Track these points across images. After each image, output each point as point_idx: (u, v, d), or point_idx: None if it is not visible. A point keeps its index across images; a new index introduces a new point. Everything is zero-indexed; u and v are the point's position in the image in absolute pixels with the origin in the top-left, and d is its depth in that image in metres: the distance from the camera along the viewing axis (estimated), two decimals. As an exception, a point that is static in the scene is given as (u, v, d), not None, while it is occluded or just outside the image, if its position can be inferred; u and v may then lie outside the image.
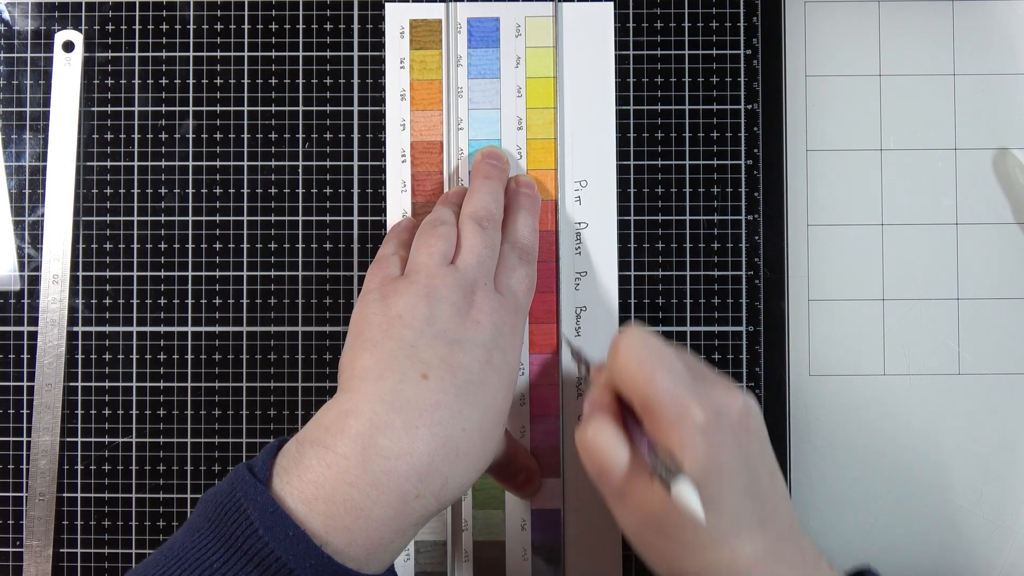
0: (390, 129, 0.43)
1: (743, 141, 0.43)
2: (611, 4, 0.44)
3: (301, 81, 0.44)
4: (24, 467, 0.43)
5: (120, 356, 0.43)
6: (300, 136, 0.44)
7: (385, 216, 0.43)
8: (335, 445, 0.32)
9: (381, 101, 0.44)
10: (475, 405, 0.34)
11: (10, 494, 0.43)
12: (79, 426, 0.43)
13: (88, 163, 0.44)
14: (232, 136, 0.44)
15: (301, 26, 0.44)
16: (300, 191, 0.43)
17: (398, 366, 0.34)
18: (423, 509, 0.32)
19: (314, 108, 0.44)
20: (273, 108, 0.44)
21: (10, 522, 0.43)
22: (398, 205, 0.43)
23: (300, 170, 0.44)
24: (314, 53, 0.44)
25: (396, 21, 0.44)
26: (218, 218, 0.43)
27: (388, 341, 0.34)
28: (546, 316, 0.43)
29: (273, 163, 0.44)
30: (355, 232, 0.43)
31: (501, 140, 0.43)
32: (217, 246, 0.43)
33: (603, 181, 0.43)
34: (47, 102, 0.44)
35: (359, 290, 0.43)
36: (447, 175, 0.43)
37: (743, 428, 0.33)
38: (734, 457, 0.32)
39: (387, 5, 0.44)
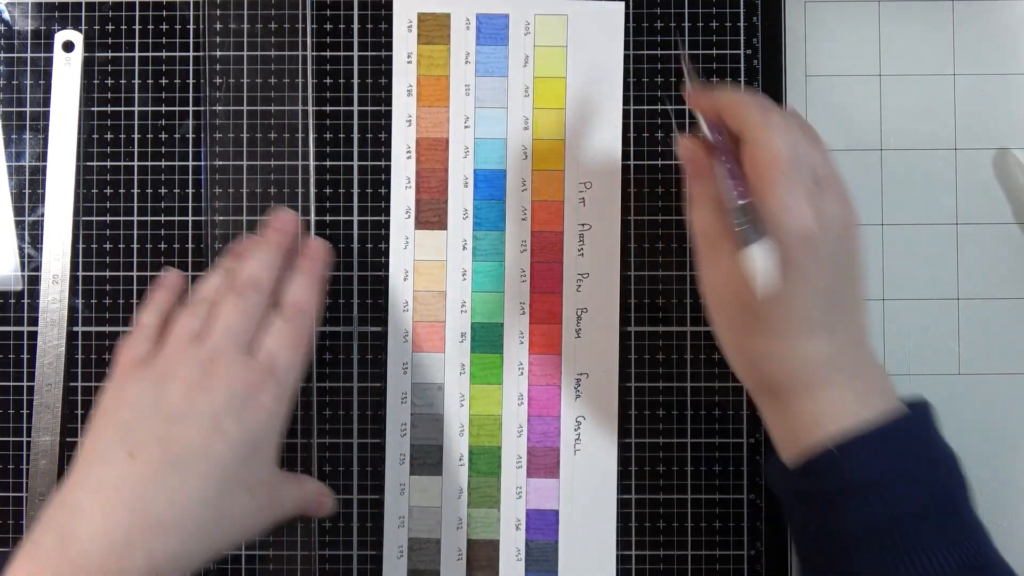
0: (396, 125, 0.43)
1: (743, 141, 0.43)
2: (622, 4, 0.43)
3: (300, 81, 0.44)
4: (24, 467, 0.43)
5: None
6: (300, 136, 0.44)
7: (388, 216, 0.43)
8: (41, 539, 0.33)
9: (381, 100, 0.43)
10: (194, 477, 0.35)
11: (10, 494, 0.43)
12: (79, 426, 0.43)
13: (88, 163, 0.44)
14: (232, 136, 0.44)
15: (299, 25, 0.44)
16: (300, 191, 0.43)
17: (107, 449, 0.35)
18: None
19: (312, 108, 0.44)
20: (273, 108, 0.44)
21: (10, 522, 0.43)
22: (402, 201, 0.43)
23: (300, 170, 0.43)
24: (314, 53, 0.44)
25: (404, 15, 0.43)
26: (218, 218, 0.43)
27: (109, 427, 0.36)
28: (548, 317, 0.43)
29: (273, 163, 0.44)
30: (355, 232, 0.43)
31: (507, 139, 0.43)
32: (217, 246, 0.43)
33: (608, 183, 0.43)
34: (47, 102, 0.43)
35: (359, 290, 0.43)
36: (452, 172, 0.43)
37: (840, 240, 0.34)
38: (820, 264, 0.33)
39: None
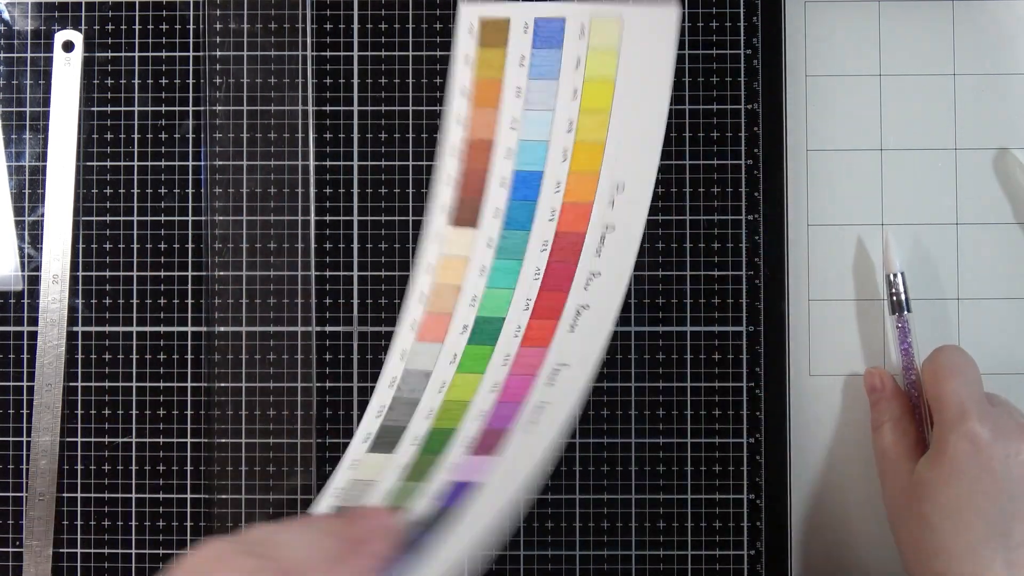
0: (448, 125, 0.43)
1: (743, 141, 0.43)
2: (676, 8, 0.42)
3: (300, 80, 0.44)
4: (24, 467, 0.43)
5: (120, 356, 0.43)
6: (300, 136, 0.44)
7: (398, 216, 0.43)
8: None
9: (382, 100, 0.44)
10: None
11: (10, 494, 0.43)
12: (79, 426, 0.43)
13: (88, 163, 0.44)
14: (232, 136, 0.44)
15: (299, 25, 0.44)
16: (300, 191, 0.43)
17: None
18: None
19: (312, 108, 0.44)
20: (273, 108, 0.44)
21: (10, 522, 0.43)
22: (441, 199, 0.43)
23: (300, 170, 0.44)
24: (314, 53, 0.44)
25: (467, 19, 0.43)
26: (218, 218, 0.44)
27: None
28: (548, 313, 0.42)
29: (273, 163, 0.44)
30: (355, 232, 0.43)
31: (550, 141, 0.43)
32: (217, 246, 0.43)
33: (641, 186, 0.42)
34: (47, 102, 0.44)
35: (359, 290, 0.43)
36: (493, 174, 0.43)
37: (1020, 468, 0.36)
38: (991, 481, 0.35)
39: (461, 4, 0.43)
